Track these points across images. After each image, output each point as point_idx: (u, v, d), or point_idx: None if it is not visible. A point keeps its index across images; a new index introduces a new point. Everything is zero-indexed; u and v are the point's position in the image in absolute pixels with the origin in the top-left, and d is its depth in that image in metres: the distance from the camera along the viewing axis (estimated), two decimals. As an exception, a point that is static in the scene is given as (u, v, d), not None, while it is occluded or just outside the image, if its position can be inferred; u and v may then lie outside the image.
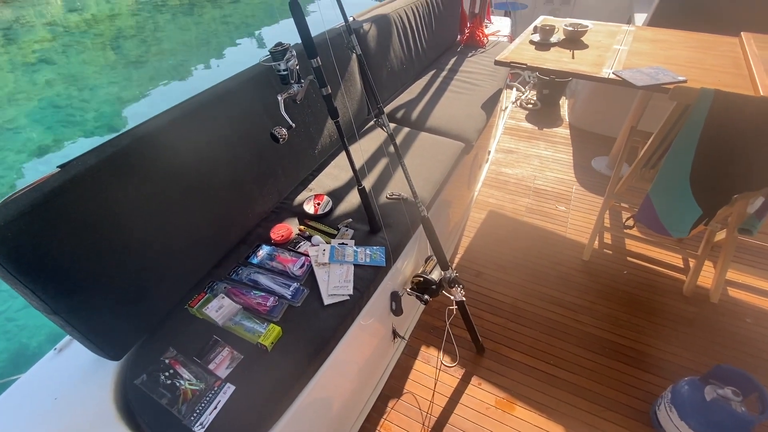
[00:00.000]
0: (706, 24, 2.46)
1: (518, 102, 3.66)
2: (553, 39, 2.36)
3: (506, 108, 3.58)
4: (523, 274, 2.05)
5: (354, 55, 1.79)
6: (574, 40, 2.37)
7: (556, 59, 2.15)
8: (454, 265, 2.10)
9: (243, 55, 7.68)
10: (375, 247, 1.32)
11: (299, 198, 1.52)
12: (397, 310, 1.47)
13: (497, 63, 2.16)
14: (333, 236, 1.37)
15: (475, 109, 2.13)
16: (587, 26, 2.37)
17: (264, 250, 1.29)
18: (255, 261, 1.26)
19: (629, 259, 2.12)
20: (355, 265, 1.26)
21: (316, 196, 1.49)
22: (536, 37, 2.40)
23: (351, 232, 1.37)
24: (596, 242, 2.18)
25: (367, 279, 1.24)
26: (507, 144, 3.09)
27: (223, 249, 1.28)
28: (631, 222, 1.81)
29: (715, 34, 2.33)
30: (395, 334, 1.59)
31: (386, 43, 2.06)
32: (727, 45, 2.21)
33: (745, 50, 2.07)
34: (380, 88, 2.07)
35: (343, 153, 1.72)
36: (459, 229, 2.29)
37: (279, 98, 1.08)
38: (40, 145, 5.09)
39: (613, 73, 1.95)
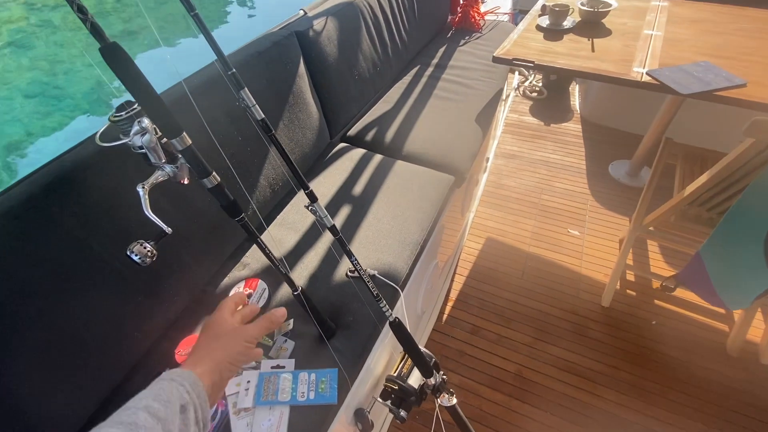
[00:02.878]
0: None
1: (521, 89, 3.16)
2: (567, 23, 1.87)
3: (507, 97, 3.08)
4: (529, 329, 1.67)
5: (302, 66, 1.33)
6: (593, 24, 1.88)
7: (572, 52, 1.68)
8: (445, 317, 1.73)
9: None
10: (323, 372, 0.93)
11: (227, 281, 1.12)
12: (366, 428, 1.11)
13: (496, 60, 1.68)
14: (268, 348, 0.98)
15: (469, 125, 1.67)
16: (611, 4, 1.87)
17: (164, 384, 0.91)
18: (148, 405, 0.88)
19: (657, 302, 1.74)
20: (292, 406, 0.88)
21: (247, 281, 1.09)
22: (545, 21, 1.90)
23: (291, 345, 0.98)
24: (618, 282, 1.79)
25: (309, 429, 0.86)
26: (508, 146, 2.63)
27: (107, 385, 0.89)
28: (672, 283, 1.41)
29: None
30: (367, 442, 1.24)
31: (352, 43, 1.57)
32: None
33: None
34: (345, 105, 1.61)
35: (296, 198, 1.32)
36: (450, 266, 1.89)
37: (140, 191, 0.66)
38: (13, 140, 4.65)
39: (647, 73, 1.50)
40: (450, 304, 1.77)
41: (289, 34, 1.26)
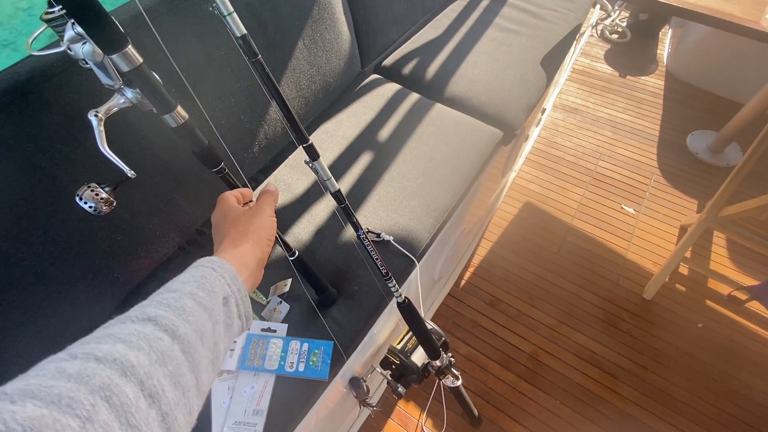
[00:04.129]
0: None
1: (599, 27, 2.65)
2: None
3: (581, 35, 2.60)
4: (554, 310, 1.52)
5: (335, -28, 1.06)
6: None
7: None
8: (464, 282, 1.60)
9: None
10: (317, 343, 0.83)
11: (227, 223, 1.01)
12: (360, 395, 1.04)
13: (581, -15, 1.32)
14: (261, 306, 0.88)
15: (532, 68, 1.37)
16: None
17: (148, 329, 0.84)
18: (129, 350, 0.82)
19: (709, 304, 1.52)
20: (278, 376, 0.79)
21: (247, 228, 0.96)
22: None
23: (285, 308, 0.87)
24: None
25: (292, 405, 0.78)
26: (572, 97, 2.26)
27: (86, 322, 0.83)
28: (744, 295, 1.18)
29: None
30: (362, 403, 1.20)
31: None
32: None
33: None
34: (384, 27, 1.33)
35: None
36: (478, 230, 1.72)
37: (92, 120, 0.51)
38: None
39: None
40: (471, 270, 1.63)
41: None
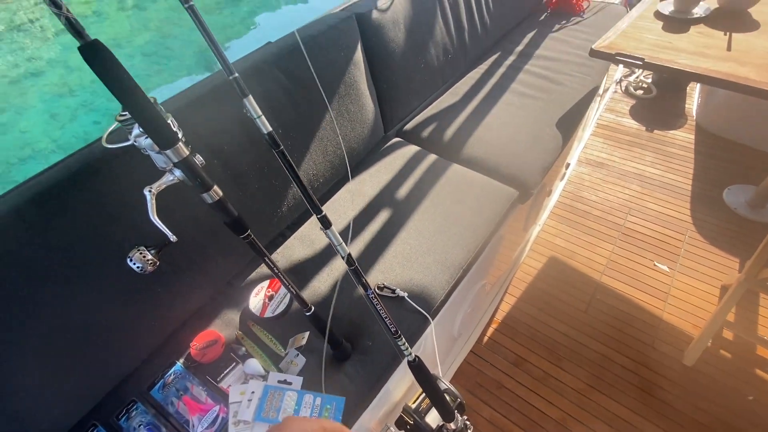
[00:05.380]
0: None
1: (623, 84, 2.70)
2: (698, 11, 1.49)
3: (605, 92, 2.66)
4: (584, 374, 1.44)
5: (359, 53, 1.21)
6: (734, 14, 1.47)
7: (699, 50, 1.34)
8: (486, 339, 1.57)
9: None
10: (330, 398, 0.86)
11: (254, 275, 1.09)
12: (373, 455, 1.03)
13: (594, 54, 1.41)
14: (279, 358, 0.93)
15: (547, 130, 1.43)
16: (764, -12, 1.44)
17: (175, 376, 0.91)
18: (158, 396, 0.89)
19: (759, 373, 1.39)
20: (291, 429, 0.82)
21: (271, 281, 1.04)
22: (667, 7, 1.54)
23: (302, 361, 0.91)
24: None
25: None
26: (597, 152, 2.27)
27: (119, 370, 0.91)
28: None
29: None
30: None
31: (421, 26, 1.41)
32: None
33: None
34: (405, 98, 1.46)
35: (332, 200, 1.25)
36: (501, 284, 1.70)
37: (147, 195, 0.61)
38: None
39: (805, 86, 1.14)
40: (494, 326, 1.60)
41: (348, 16, 1.14)
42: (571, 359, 1.49)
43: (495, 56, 1.80)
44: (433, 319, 0.99)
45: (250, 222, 0.67)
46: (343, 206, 1.23)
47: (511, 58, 1.78)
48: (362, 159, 1.38)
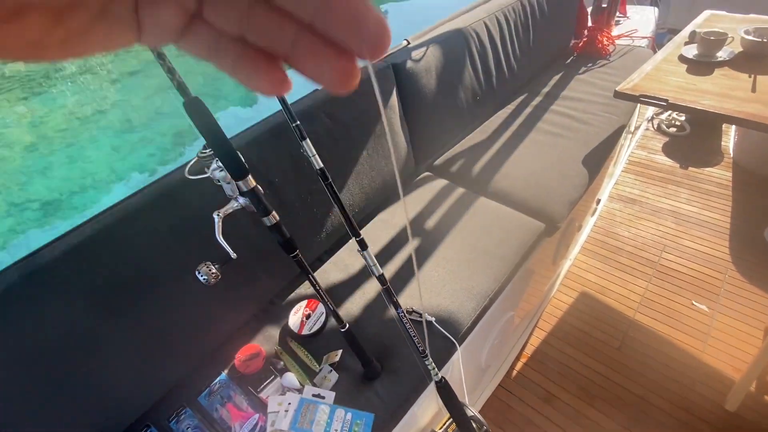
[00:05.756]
0: None
1: (655, 121, 2.71)
2: (722, 54, 1.54)
3: (636, 129, 2.67)
4: (618, 415, 1.40)
5: (394, 97, 1.34)
6: (759, 58, 1.51)
7: (724, 91, 1.38)
8: (515, 373, 1.56)
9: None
10: (360, 414, 0.91)
11: (293, 296, 1.19)
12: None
13: (618, 96, 1.47)
14: (313, 373, 1.00)
15: (573, 167, 1.49)
16: (790, 33, 1.48)
17: (221, 385, 0.99)
18: (205, 402, 0.97)
19: (819, 425, 1.29)
20: (323, 441, 0.88)
21: (309, 301, 1.13)
22: (691, 51, 1.60)
23: (335, 377, 0.98)
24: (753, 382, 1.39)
25: (334, 471, 0.84)
26: (629, 188, 2.27)
27: (174, 375, 1.01)
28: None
29: None
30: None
31: (451, 73, 1.54)
32: None
33: None
34: (435, 137, 1.57)
35: (366, 229, 1.34)
36: (531, 318, 1.70)
37: (215, 218, 0.73)
38: (179, 130, 5.81)
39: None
40: (523, 360, 1.59)
41: (386, 66, 1.29)
42: (604, 399, 1.45)
43: (522, 97, 1.90)
44: (459, 345, 1.04)
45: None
46: (375, 234, 1.32)
47: (538, 99, 1.88)
48: (395, 191, 1.48)
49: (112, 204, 0.86)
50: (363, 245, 0.71)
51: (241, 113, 5.99)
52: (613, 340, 1.61)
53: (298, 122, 0.60)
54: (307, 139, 0.61)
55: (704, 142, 2.50)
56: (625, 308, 1.71)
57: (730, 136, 2.50)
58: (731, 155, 2.36)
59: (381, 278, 0.75)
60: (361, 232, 0.69)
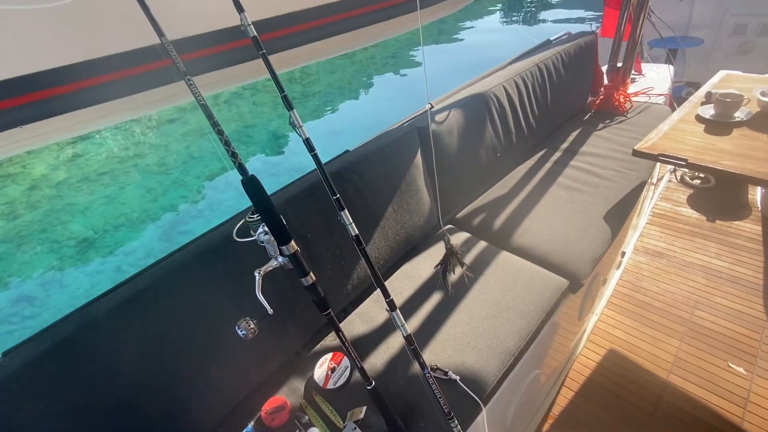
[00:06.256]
0: None
1: (678, 173, 2.71)
2: (739, 115, 1.58)
3: (659, 180, 2.67)
4: (655, 488, 1.31)
5: (418, 157, 1.43)
6: (778, 118, 1.54)
7: (744, 152, 1.41)
8: (542, 436, 1.49)
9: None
10: (383, 476, 0.90)
11: (318, 347, 1.21)
12: None
13: (637, 154, 1.52)
14: (339, 430, 1.00)
15: (595, 223, 1.51)
16: (807, 95, 1.51)
17: (247, 438, 1.01)
18: (230, 455, 0.99)
19: None
20: (346, 504, 0.87)
21: (334, 354, 1.15)
22: (708, 111, 1.65)
23: (358, 435, 0.98)
24: (810, 461, 1.28)
25: None
26: (654, 241, 2.25)
27: (204, 426, 1.03)
28: None
29: None
30: None
31: (473, 133, 1.63)
32: None
33: None
34: (458, 192, 1.63)
35: (390, 280, 1.37)
36: (557, 377, 1.65)
37: (256, 276, 0.80)
38: (211, 172, 6.15)
39: None
40: (550, 421, 1.53)
41: (411, 129, 1.39)
42: (639, 469, 1.36)
43: (542, 152, 1.97)
44: (485, 405, 1.03)
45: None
46: (399, 285, 1.36)
47: (557, 155, 1.94)
48: (418, 243, 1.53)
49: (163, 257, 0.94)
50: (392, 306, 0.75)
51: (270, 159, 6.34)
52: (647, 404, 1.53)
53: (338, 195, 0.67)
54: (345, 210, 0.68)
55: (730, 195, 2.47)
56: (659, 369, 1.64)
57: (757, 189, 2.46)
58: (759, 208, 2.32)
59: (408, 338, 0.78)
60: (387, 286, 0.73)
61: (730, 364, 1.60)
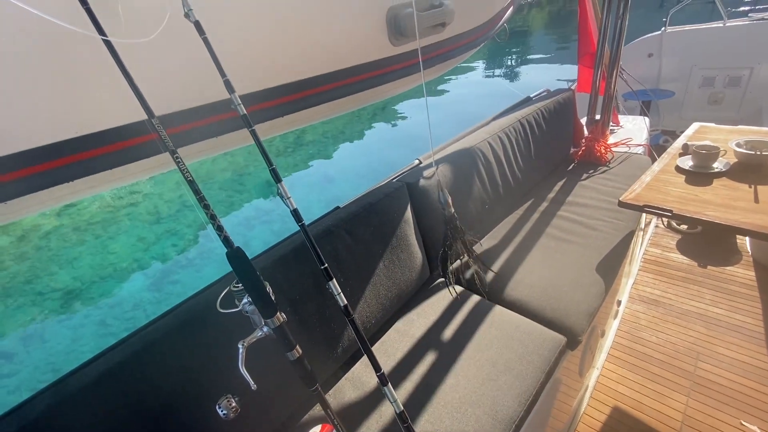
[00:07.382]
0: None
1: (665, 219, 2.75)
2: (718, 166, 1.64)
3: (647, 225, 2.71)
4: None
5: (408, 212, 1.44)
6: (754, 167, 1.60)
7: (727, 202, 1.44)
8: None
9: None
10: None
11: (307, 417, 1.13)
12: None
13: (623, 205, 1.54)
14: None
15: (587, 274, 1.50)
16: (779, 146, 1.58)
17: None
18: None
19: None
20: None
21: (323, 426, 1.08)
22: (686, 162, 1.70)
23: None
24: None
25: None
26: (649, 288, 2.23)
27: None
28: None
29: None
30: None
31: (461, 187, 1.66)
32: None
33: None
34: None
35: (382, 341, 1.32)
36: (563, 439, 1.55)
37: (240, 348, 0.76)
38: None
39: None
40: (559, 493, 1.41)
41: (400, 186, 1.41)
42: None
43: (529, 203, 2.00)
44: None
45: (311, 364, 0.77)
46: (392, 346, 1.30)
47: (545, 205, 1.97)
48: (410, 298, 1.50)
49: (141, 326, 0.90)
50: (384, 380, 0.71)
51: (262, 205, 6.38)
52: (659, 468, 1.43)
53: (326, 265, 0.65)
54: (333, 279, 0.66)
55: (719, 240, 2.50)
56: (668, 428, 1.55)
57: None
58: (750, 252, 2.34)
59: (401, 415, 0.73)
60: (374, 347, 0.70)
61: (743, 422, 1.52)
